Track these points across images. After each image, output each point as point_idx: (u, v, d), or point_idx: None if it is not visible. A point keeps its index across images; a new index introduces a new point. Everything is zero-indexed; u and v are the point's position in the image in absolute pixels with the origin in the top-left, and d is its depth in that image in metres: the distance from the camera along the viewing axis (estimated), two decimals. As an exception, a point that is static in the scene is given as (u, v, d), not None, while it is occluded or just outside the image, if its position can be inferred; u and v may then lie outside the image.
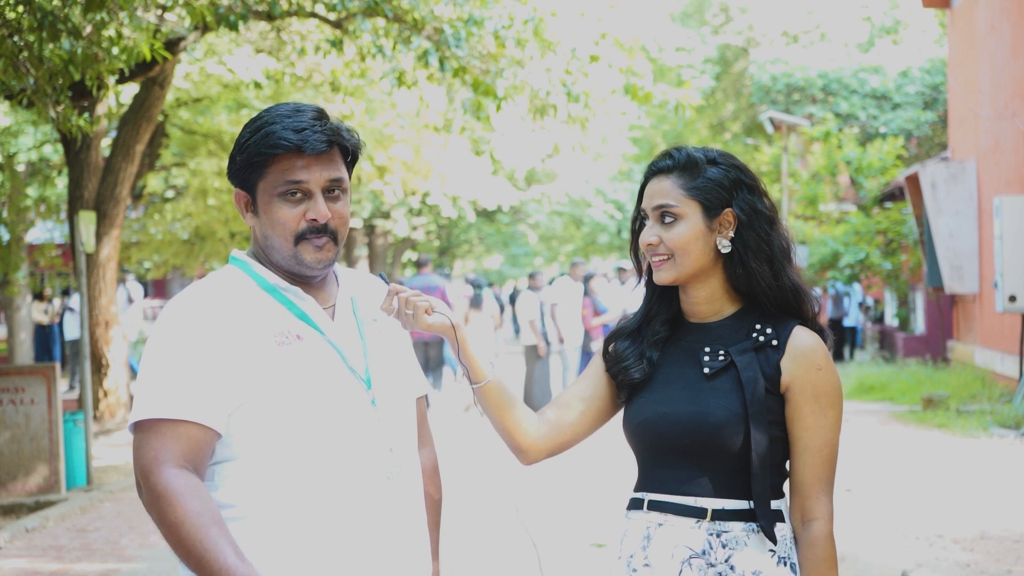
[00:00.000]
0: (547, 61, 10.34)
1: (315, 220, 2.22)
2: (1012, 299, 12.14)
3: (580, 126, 11.33)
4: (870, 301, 23.67)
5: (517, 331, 20.07)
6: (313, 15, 10.08)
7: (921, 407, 13.05)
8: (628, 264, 15.50)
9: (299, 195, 2.22)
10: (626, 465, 2.53)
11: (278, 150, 2.20)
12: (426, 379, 2.53)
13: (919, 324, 19.47)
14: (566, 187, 27.60)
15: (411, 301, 2.32)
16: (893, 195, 20.17)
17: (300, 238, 2.23)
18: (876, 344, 21.37)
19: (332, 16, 9.98)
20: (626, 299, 14.66)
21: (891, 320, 21.37)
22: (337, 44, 10.09)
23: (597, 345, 14.03)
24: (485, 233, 32.90)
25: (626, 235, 31.92)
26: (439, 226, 30.78)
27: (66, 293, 19.55)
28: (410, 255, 33.70)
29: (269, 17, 9.75)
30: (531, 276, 14.88)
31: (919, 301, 19.44)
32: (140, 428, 2.14)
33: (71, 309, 18.11)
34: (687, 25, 31.30)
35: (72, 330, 18.14)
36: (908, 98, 23.69)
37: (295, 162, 2.21)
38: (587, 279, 14.42)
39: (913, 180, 16.06)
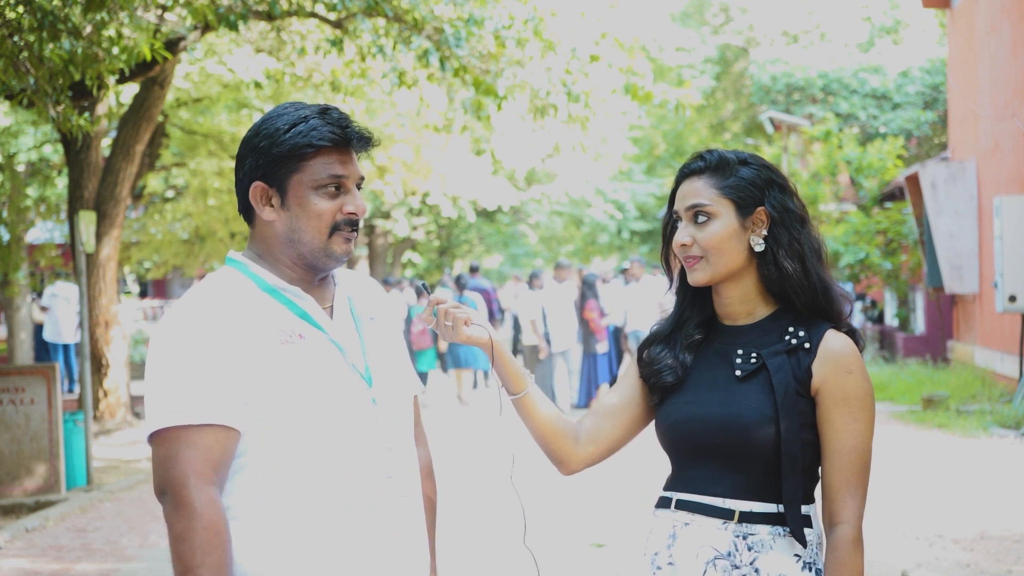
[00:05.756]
0: (547, 61, 10.34)
1: (353, 213, 2.25)
2: (1012, 299, 12.13)
3: (580, 126, 11.33)
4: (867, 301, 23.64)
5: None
6: (313, 15, 10.08)
7: (921, 407, 13.05)
8: (607, 267, 15.47)
9: (336, 189, 2.24)
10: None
11: (325, 143, 2.21)
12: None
13: (919, 324, 19.47)
14: (566, 187, 27.60)
15: (450, 313, 2.34)
16: (893, 195, 20.16)
17: (334, 231, 2.24)
18: (876, 344, 21.37)
19: (332, 16, 9.98)
20: (623, 300, 14.68)
21: (891, 320, 21.37)
22: (337, 44, 10.10)
23: (602, 347, 14.06)
24: (485, 233, 32.90)
25: (626, 235, 31.90)
26: (439, 226, 30.78)
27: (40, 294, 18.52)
28: (410, 255, 33.70)
29: (269, 17, 9.75)
30: (532, 276, 14.89)
31: (919, 301, 19.44)
32: (165, 437, 2.13)
33: (44, 308, 17.70)
34: (687, 25, 31.30)
35: (49, 332, 17.63)
36: (908, 98, 23.68)
37: (336, 157, 2.24)
38: (590, 281, 14.41)
39: (913, 180, 16.05)
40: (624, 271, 15.31)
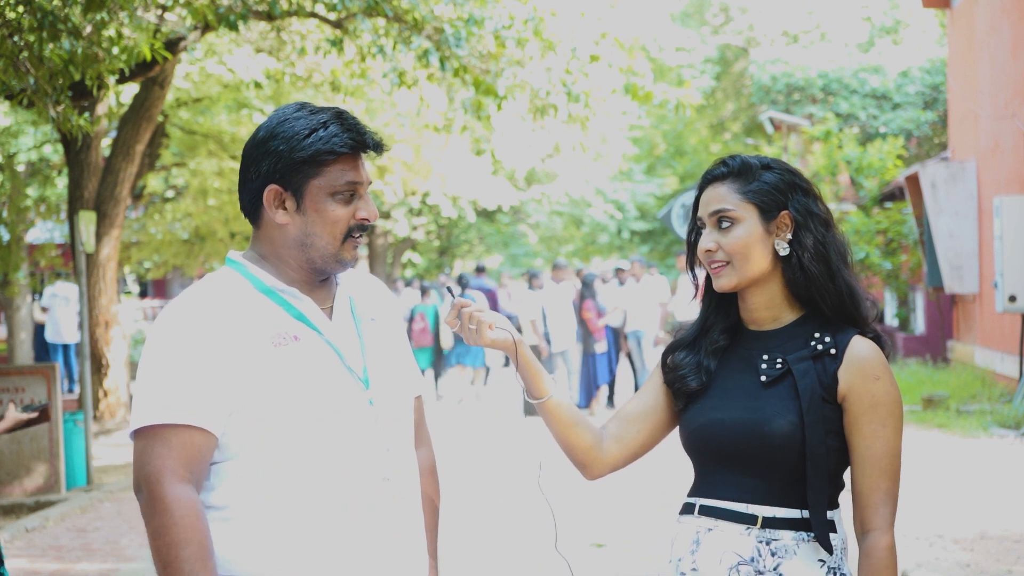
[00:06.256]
0: (547, 61, 10.34)
1: (366, 219, 2.26)
2: (1012, 299, 12.13)
3: (580, 126, 11.33)
4: None
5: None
6: (313, 15, 10.08)
7: (921, 407, 13.04)
8: (626, 265, 15.50)
9: (351, 195, 2.25)
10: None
11: (346, 150, 2.22)
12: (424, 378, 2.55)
13: (919, 324, 19.47)
14: (566, 187, 27.59)
15: (475, 316, 2.34)
16: (893, 195, 20.16)
17: (347, 237, 2.25)
18: (876, 344, 21.33)
19: (332, 16, 9.97)
20: (626, 299, 14.67)
21: (891, 320, 21.37)
22: (337, 44, 10.09)
23: (601, 347, 14.05)
24: (485, 233, 32.88)
25: (626, 235, 31.89)
26: (439, 226, 30.77)
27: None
28: (410, 255, 33.69)
29: (269, 17, 9.75)
30: (532, 276, 14.89)
31: (919, 301, 19.43)
32: (142, 435, 2.15)
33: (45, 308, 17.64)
34: (687, 25, 31.30)
35: (50, 332, 17.57)
36: (908, 98, 23.68)
37: (352, 163, 2.25)
38: (589, 281, 14.41)
39: (913, 180, 16.05)
40: (618, 271, 15.31)
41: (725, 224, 2.35)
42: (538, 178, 27.82)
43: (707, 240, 2.37)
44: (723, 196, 2.36)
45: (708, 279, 2.43)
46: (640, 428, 2.46)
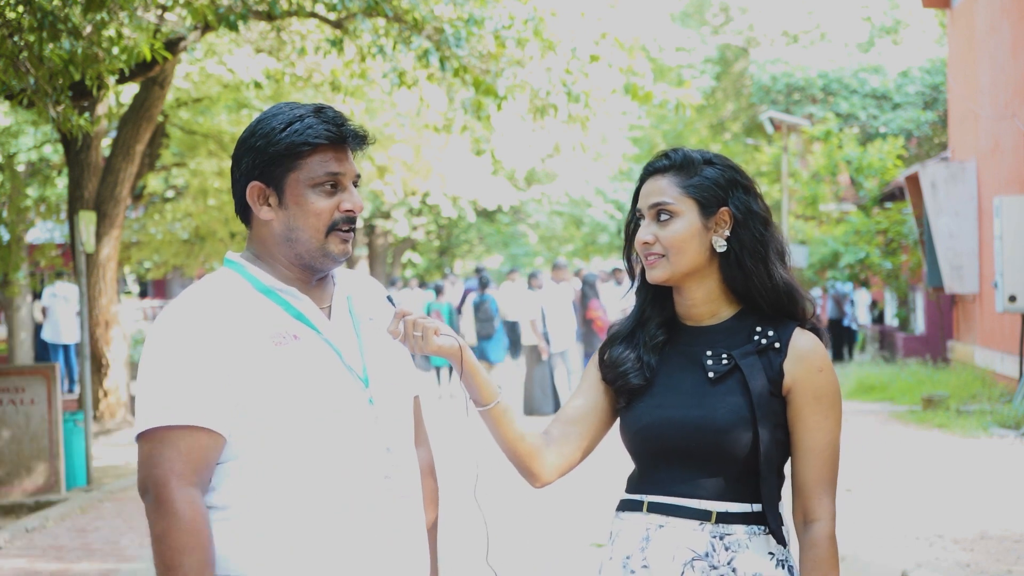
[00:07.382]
0: (547, 61, 10.35)
1: (350, 211, 2.25)
2: (1012, 299, 12.13)
3: (580, 126, 11.33)
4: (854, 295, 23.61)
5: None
6: (313, 15, 10.08)
7: (921, 407, 13.05)
8: (624, 265, 15.52)
9: (333, 187, 2.24)
10: (626, 465, 2.52)
11: (322, 140, 2.21)
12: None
13: (919, 324, 19.47)
14: (566, 187, 27.61)
15: (419, 323, 2.32)
16: (893, 195, 20.17)
17: (331, 229, 2.24)
18: (876, 344, 21.37)
19: (332, 16, 9.98)
20: (617, 301, 14.67)
21: (891, 320, 21.37)
22: (337, 44, 10.10)
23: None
24: (485, 233, 32.90)
25: (627, 235, 31.93)
26: (439, 226, 30.79)
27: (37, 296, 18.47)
28: (410, 255, 33.71)
29: (269, 17, 9.75)
30: (531, 276, 14.89)
31: (919, 301, 19.44)
32: (148, 437, 2.14)
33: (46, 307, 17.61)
34: (687, 25, 31.30)
35: (48, 332, 17.53)
36: (908, 98, 23.69)
37: (332, 155, 2.24)
38: (591, 281, 14.40)
39: (913, 180, 16.06)
40: (615, 271, 15.30)
41: (664, 217, 2.35)
42: (538, 178, 27.84)
43: (645, 232, 2.37)
44: (663, 189, 2.36)
45: (643, 271, 2.42)
46: (582, 430, 2.43)
